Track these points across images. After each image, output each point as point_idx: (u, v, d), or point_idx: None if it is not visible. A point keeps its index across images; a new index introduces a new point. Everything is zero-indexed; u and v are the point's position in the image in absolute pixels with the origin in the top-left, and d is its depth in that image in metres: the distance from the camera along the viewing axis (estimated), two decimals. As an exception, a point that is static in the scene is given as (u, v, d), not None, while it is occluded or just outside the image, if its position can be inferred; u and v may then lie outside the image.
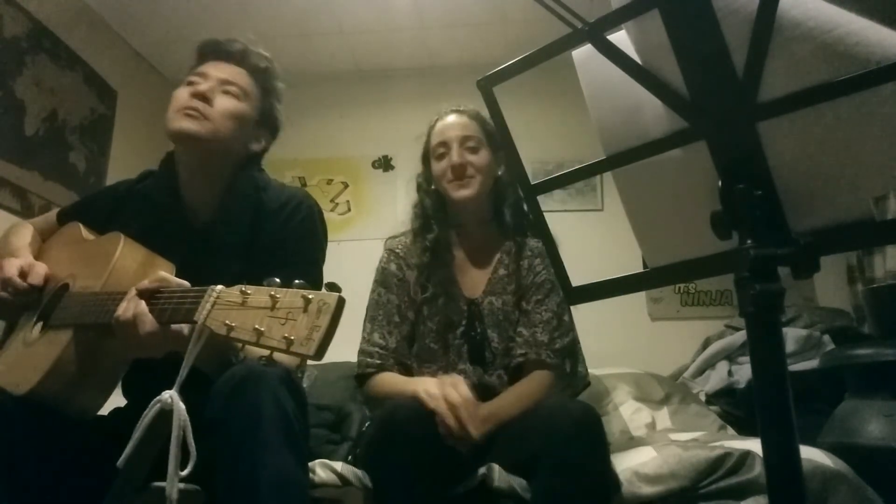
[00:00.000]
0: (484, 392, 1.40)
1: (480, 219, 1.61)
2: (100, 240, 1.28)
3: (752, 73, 0.63)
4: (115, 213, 1.36)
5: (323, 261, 1.35)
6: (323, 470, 1.42)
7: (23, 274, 1.23)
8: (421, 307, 1.54)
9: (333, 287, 0.81)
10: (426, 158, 1.64)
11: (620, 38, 0.72)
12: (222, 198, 1.32)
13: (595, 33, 0.69)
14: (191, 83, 1.29)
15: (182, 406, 0.87)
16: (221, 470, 0.97)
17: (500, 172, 1.60)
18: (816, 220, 0.66)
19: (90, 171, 2.82)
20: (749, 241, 0.63)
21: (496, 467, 1.29)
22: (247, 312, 0.83)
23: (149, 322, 0.96)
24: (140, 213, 1.32)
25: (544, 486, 1.15)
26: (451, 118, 1.61)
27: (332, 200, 3.36)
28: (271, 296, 0.81)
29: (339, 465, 1.39)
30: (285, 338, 0.78)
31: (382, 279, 1.58)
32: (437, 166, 1.58)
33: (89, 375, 1.10)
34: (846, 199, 0.65)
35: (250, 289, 0.85)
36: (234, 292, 0.86)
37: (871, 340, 1.96)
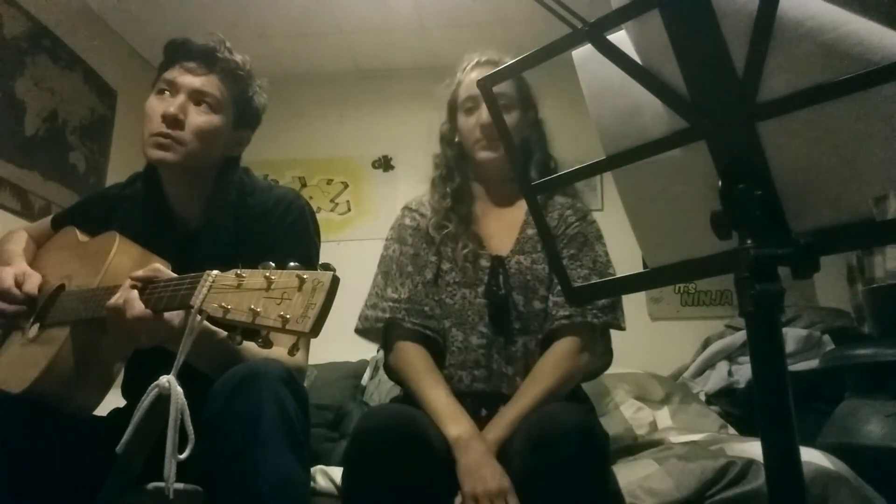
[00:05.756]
0: (499, 378, 1.35)
1: (504, 177, 1.52)
2: (95, 240, 1.29)
3: (752, 73, 0.62)
4: (108, 218, 1.36)
5: (317, 259, 1.34)
6: (323, 478, 1.42)
7: (18, 283, 1.23)
8: (440, 254, 1.45)
9: (328, 267, 0.81)
10: (452, 108, 1.55)
11: (620, 38, 0.72)
12: (206, 206, 1.32)
13: (595, 33, 0.69)
14: (161, 92, 1.26)
15: (179, 389, 0.87)
16: (221, 469, 0.96)
17: (527, 134, 1.51)
18: (816, 220, 0.66)
19: (90, 171, 2.82)
20: (749, 241, 0.63)
21: None
22: (242, 294, 0.83)
23: (137, 307, 0.96)
24: (131, 222, 1.31)
25: None
26: (483, 71, 1.46)
27: (332, 200, 3.36)
28: (266, 277, 0.82)
29: (338, 475, 1.39)
30: (281, 316, 0.78)
31: (397, 235, 1.52)
32: (465, 122, 1.49)
33: (86, 372, 1.10)
34: (846, 199, 0.65)
35: (245, 272, 0.86)
36: (229, 276, 0.87)
37: (871, 340, 1.96)
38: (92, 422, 1.18)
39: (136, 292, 0.98)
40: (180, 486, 1.17)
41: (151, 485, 1.18)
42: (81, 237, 1.34)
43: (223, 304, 0.84)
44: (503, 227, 1.49)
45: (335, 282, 0.79)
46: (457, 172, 1.53)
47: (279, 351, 1.00)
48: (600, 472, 1.11)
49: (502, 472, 1.17)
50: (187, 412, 0.87)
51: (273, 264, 0.84)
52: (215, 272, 0.89)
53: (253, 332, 0.84)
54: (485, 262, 1.43)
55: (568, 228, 1.46)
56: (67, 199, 2.59)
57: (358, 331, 1.48)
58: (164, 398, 0.87)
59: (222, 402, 0.98)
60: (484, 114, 1.44)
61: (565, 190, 1.54)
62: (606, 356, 1.47)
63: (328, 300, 0.78)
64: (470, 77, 1.50)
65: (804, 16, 0.62)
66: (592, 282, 0.82)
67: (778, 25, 0.61)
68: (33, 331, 1.19)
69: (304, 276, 0.80)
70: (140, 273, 1.01)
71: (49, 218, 1.48)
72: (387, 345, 1.44)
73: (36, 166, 2.50)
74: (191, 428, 0.87)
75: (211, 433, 0.97)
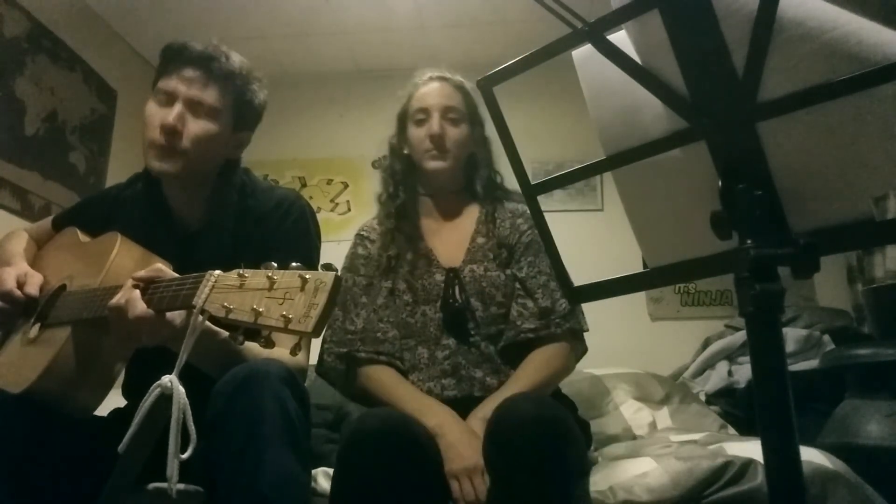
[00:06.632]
0: (469, 382, 1.36)
1: (452, 189, 1.56)
2: (96, 240, 1.29)
3: (752, 73, 0.62)
4: (109, 218, 1.36)
5: (318, 260, 1.34)
6: (324, 479, 1.43)
7: (20, 284, 1.23)
8: (396, 275, 1.46)
9: (330, 267, 0.82)
10: (402, 120, 1.59)
11: (620, 38, 0.72)
12: (207, 207, 1.32)
13: (595, 33, 0.69)
14: (160, 100, 1.26)
15: (181, 389, 0.87)
16: (223, 469, 0.97)
17: (474, 149, 1.55)
18: (816, 220, 0.66)
19: (90, 171, 2.82)
20: (749, 241, 0.63)
21: None
22: (245, 294, 0.83)
23: (139, 307, 0.96)
24: (132, 223, 1.31)
25: None
26: (436, 85, 1.55)
27: (332, 200, 3.36)
28: (268, 277, 0.82)
29: None
30: (283, 316, 0.78)
31: (350, 264, 1.53)
32: (415, 132, 1.52)
33: (87, 373, 1.10)
34: (846, 199, 0.65)
35: (248, 272, 0.86)
36: (231, 276, 0.87)
37: (871, 340, 1.96)
38: (92, 422, 1.18)
39: (137, 292, 0.98)
40: (181, 486, 1.16)
41: (152, 485, 1.18)
42: (82, 237, 1.33)
43: (225, 303, 0.84)
44: (453, 240, 1.51)
45: (337, 282, 0.79)
46: (402, 188, 1.56)
47: (280, 351, 1.00)
48: (557, 463, 1.08)
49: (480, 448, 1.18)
50: (189, 411, 0.87)
51: (275, 264, 0.84)
52: (217, 272, 0.90)
53: (255, 332, 0.84)
54: (439, 277, 1.45)
55: (522, 237, 1.48)
56: (67, 199, 2.59)
57: (318, 371, 1.47)
58: (165, 398, 0.87)
59: (224, 403, 0.98)
60: (434, 124, 1.48)
61: (513, 196, 1.55)
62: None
63: (330, 300, 0.78)
64: (421, 91, 1.55)
65: (804, 16, 0.62)
66: (591, 282, 0.82)
67: (778, 25, 0.61)
68: (34, 331, 1.19)
69: (307, 277, 0.80)
70: (142, 273, 1.01)
71: (50, 218, 1.48)
72: (348, 378, 1.44)
73: (36, 166, 2.50)
74: (193, 427, 0.87)
75: (212, 433, 0.97)
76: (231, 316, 0.83)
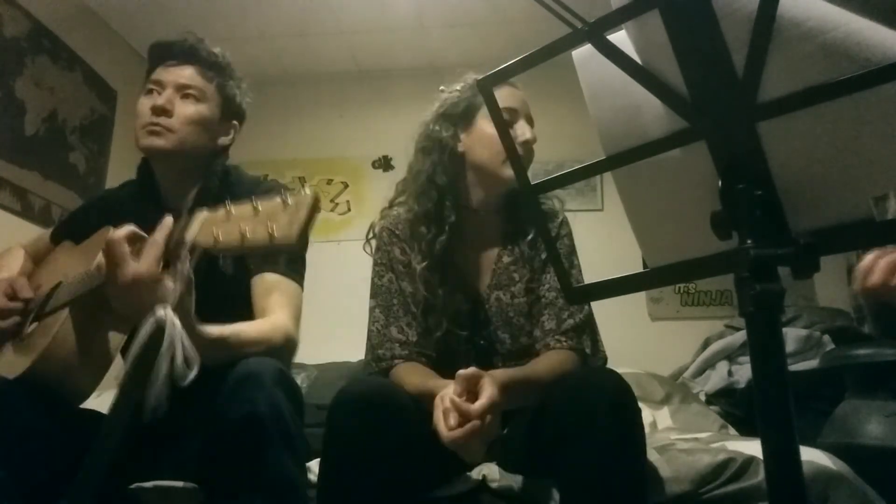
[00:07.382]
0: None
1: (498, 205, 1.41)
2: (91, 239, 1.32)
3: (752, 73, 0.62)
4: (105, 219, 1.37)
5: (304, 252, 1.35)
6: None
7: (12, 296, 1.24)
8: (432, 295, 1.34)
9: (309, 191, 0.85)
10: (468, 115, 1.37)
11: (620, 38, 0.72)
12: (196, 197, 1.34)
13: (595, 33, 0.69)
14: (149, 92, 1.34)
15: (176, 321, 0.88)
16: (219, 469, 0.97)
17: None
18: (816, 220, 0.66)
19: (90, 171, 2.82)
20: (749, 241, 0.63)
21: (495, 467, 1.26)
22: (231, 223, 0.87)
23: (134, 263, 0.94)
24: (126, 219, 1.32)
25: (575, 483, 1.02)
26: (514, 90, 1.37)
27: (332, 200, 3.36)
28: (253, 206, 0.86)
29: None
30: (269, 234, 0.82)
31: (389, 262, 1.38)
32: (493, 131, 1.32)
33: (83, 356, 1.12)
34: (846, 199, 0.65)
35: (234, 206, 0.89)
36: (219, 211, 0.90)
37: (871, 340, 1.96)
38: (90, 416, 1.19)
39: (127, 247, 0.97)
40: (179, 484, 1.18)
41: (151, 483, 1.19)
42: (78, 245, 1.37)
43: (213, 232, 0.87)
44: (480, 259, 1.40)
45: (316, 200, 0.82)
46: (451, 205, 1.35)
47: (272, 320, 1.05)
48: (642, 440, 1.07)
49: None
50: (187, 340, 0.88)
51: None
52: (206, 211, 0.91)
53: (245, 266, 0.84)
54: (465, 306, 1.35)
55: (542, 253, 1.37)
56: (67, 199, 2.60)
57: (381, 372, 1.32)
58: (161, 331, 0.88)
59: (219, 406, 0.99)
60: (528, 130, 1.32)
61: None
62: None
63: (311, 215, 0.81)
64: (509, 88, 1.35)
65: (804, 16, 0.62)
66: (591, 282, 0.82)
67: (778, 25, 0.61)
68: (32, 329, 1.20)
69: (288, 199, 0.83)
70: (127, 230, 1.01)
71: (48, 232, 1.51)
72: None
73: (36, 166, 2.50)
74: (191, 355, 0.87)
75: (209, 436, 0.97)
76: (219, 246, 0.86)
